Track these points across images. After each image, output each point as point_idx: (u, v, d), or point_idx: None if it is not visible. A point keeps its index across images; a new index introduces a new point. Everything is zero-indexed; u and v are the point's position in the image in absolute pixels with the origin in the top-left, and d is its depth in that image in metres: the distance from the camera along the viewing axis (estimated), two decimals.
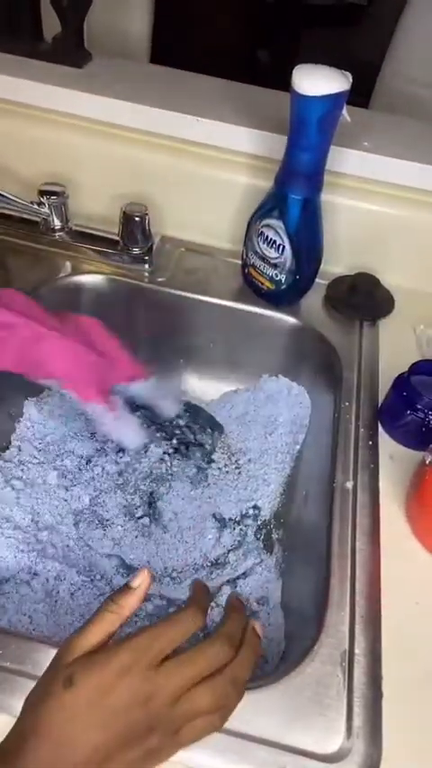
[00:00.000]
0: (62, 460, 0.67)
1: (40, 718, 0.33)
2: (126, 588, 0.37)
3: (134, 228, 0.72)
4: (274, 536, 0.66)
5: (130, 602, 0.36)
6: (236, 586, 0.60)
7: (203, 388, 0.81)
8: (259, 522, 0.67)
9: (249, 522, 0.66)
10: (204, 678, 0.35)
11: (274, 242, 0.66)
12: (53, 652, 0.41)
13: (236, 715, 0.40)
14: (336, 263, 0.76)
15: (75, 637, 0.35)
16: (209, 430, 0.70)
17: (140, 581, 0.37)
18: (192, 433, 0.69)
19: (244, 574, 0.62)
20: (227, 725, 0.38)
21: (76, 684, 0.33)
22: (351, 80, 0.55)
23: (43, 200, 0.70)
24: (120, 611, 0.36)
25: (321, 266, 0.70)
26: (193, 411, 0.71)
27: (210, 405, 0.78)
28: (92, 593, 0.57)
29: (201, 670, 0.35)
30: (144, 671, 0.33)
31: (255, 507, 0.68)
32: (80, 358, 0.54)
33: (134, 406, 0.61)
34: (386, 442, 0.60)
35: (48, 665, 0.36)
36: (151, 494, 0.65)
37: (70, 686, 0.33)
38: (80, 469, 0.67)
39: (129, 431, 0.60)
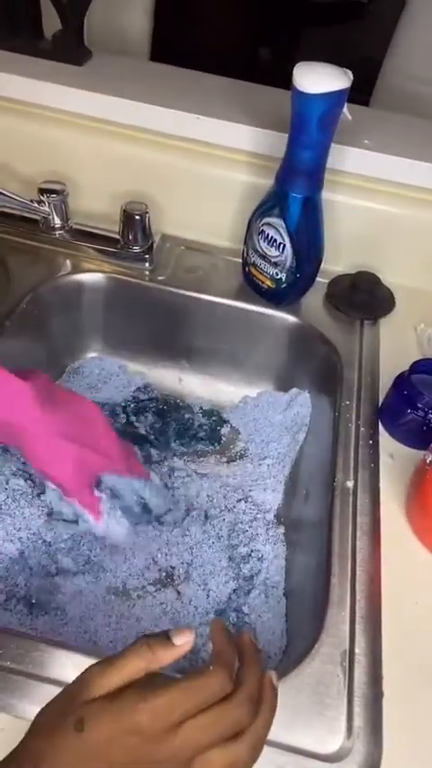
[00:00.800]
0: None
1: (45, 754, 0.31)
2: (166, 640, 0.34)
3: (134, 227, 0.72)
4: (276, 534, 0.66)
5: (165, 657, 0.33)
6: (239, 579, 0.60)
7: (203, 386, 0.81)
8: (259, 520, 0.67)
9: (248, 519, 0.66)
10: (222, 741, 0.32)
11: (275, 240, 0.66)
12: (53, 652, 0.42)
13: None
14: (336, 261, 0.76)
15: (97, 670, 0.33)
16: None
17: (184, 640, 0.34)
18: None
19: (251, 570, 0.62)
20: None
21: (86, 730, 0.31)
22: (352, 78, 0.55)
23: (43, 198, 0.70)
24: (152, 662, 0.33)
25: (322, 265, 0.70)
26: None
27: (221, 411, 0.78)
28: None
29: (221, 735, 0.32)
30: (159, 734, 0.31)
31: (255, 505, 0.68)
32: (70, 455, 0.53)
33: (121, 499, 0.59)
34: (386, 441, 0.60)
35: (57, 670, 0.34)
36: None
37: (80, 730, 0.31)
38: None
39: (115, 530, 0.58)
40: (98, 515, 0.56)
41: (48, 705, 0.34)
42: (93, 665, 0.34)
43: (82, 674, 0.34)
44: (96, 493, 0.56)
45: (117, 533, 0.58)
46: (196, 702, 0.32)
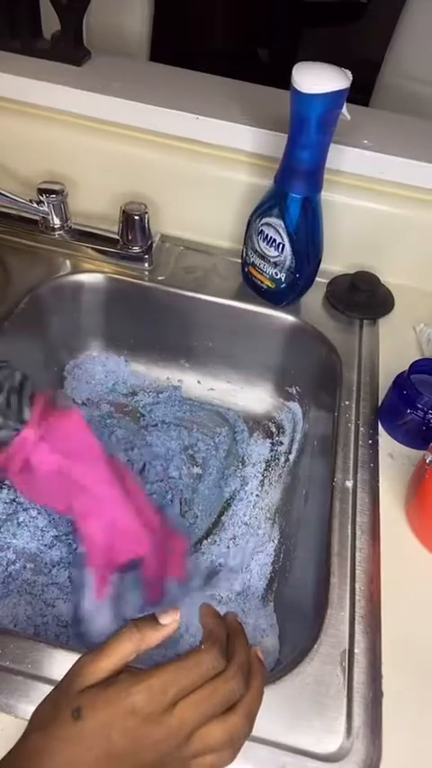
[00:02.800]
0: None
1: (45, 747, 0.31)
2: (153, 620, 0.35)
3: (134, 227, 0.72)
4: (273, 534, 0.66)
5: (153, 638, 0.34)
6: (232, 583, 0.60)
7: (202, 386, 0.81)
8: (256, 522, 0.67)
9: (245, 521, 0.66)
10: (217, 715, 0.33)
11: (274, 240, 0.66)
12: (53, 652, 0.42)
13: None
14: (336, 261, 0.76)
15: (88, 659, 0.34)
16: None
17: (170, 620, 0.35)
18: None
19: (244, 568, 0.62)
20: None
21: (83, 718, 0.31)
22: (351, 78, 0.55)
23: (42, 198, 0.70)
24: (140, 643, 0.34)
25: (321, 265, 0.70)
26: None
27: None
28: None
29: (216, 709, 0.33)
30: (155, 714, 0.31)
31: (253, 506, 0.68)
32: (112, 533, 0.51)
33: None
34: (386, 441, 0.60)
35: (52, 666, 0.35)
36: None
37: (78, 718, 0.31)
38: None
39: (102, 618, 0.54)
40: (101, 595, 0.53)
41: (43, 701, 0.34)
42: (83, 655, 0.34)
43: (74, 665, 0.34)
44: (113, 578, 0.53)
45: (102, 621, 0.54)
46: (191, 680, 0.33)
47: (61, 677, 0.41)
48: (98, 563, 0.53)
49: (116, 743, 0.31)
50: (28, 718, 0.38)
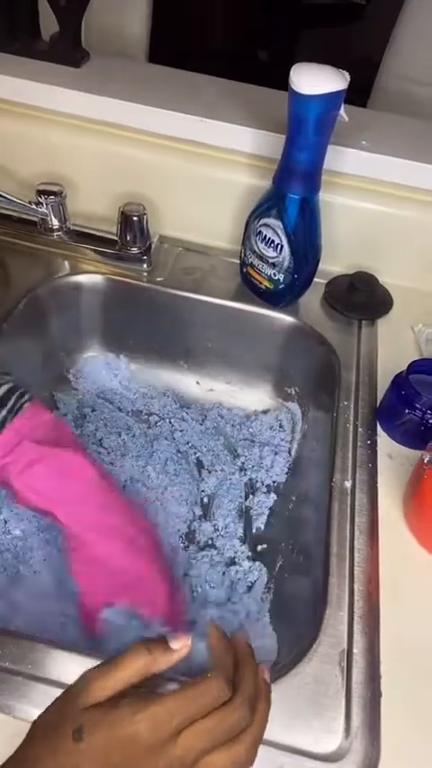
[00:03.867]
0: None
1: (43, 760, 0.31)
2: (164, 644, 0.35)
3: (132, 228, 0.72)
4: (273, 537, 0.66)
5: (163, 662, 0.34)
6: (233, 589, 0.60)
7: (201, 386, 0.81)
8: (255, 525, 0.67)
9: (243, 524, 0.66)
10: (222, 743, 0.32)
11: (273, 241, 0.66)
12: (53, 652, 0.42)
13: None
14: (334, 262, 0.76)
15: (96, 674, 0.33)
16: None
17: (181, 645, 0.35)
18: None
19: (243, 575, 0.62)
20: None
21: (84, 740, 0.31)
22: (349, 79, 0.55)
23: (41, 199, 0.70)
24: (150, 665, 0.34)
25: (320, 265, 0.70)
26: None
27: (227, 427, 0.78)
28: None
29: (221, 739, 0.32)
30: (159, 743, 0.31)
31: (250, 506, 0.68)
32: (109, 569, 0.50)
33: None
34: (385, 441, 0.60)
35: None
36: None
37: (79, 740, 0.31)
38: None
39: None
40: (92, 629, 0.50)
41: (48, 708, 0.34)
42: (92, 668, 0.34)
43: (81, 676, 0.34)
44: (106, 615, 0.49)
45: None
46: (196, 710, 0.32)
47: (60, 677, 0.41)
48: (88, 606, 0.50)
49: (113, 762, 0.31)
50: (27, 718, 0.38)
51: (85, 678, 0.34)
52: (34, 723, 0.34)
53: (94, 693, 0.32)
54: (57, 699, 0.34)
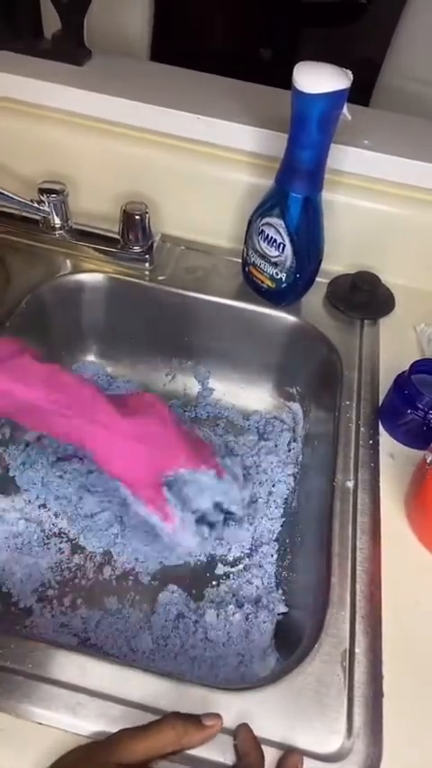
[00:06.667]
0: None
1: None
2: (197, 722, 0.36)
3: (134, 227, 0.72)
4: (275, 536, 0.66)
5: (195, 737, 0.36)
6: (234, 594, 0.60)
7: (202, 386, 0.81)
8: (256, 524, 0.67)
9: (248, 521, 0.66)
10: None
11: (275, 240, 0.66)
12: (53, 652, 0.42)
13: (236, 715, 0.40)
14: (336, 261, 0.76)
15: (128, 735, 0.35)
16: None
17: (213, 722, 0.36)
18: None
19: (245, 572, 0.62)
20: (227, 724, 0.39)
21: None
22: (352, 78, 0.55)
23: (43, 198, 0.70)
24: (182, 737, 0.35)
25: (322, 265, 0.70)
26: None
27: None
28: None
29: None
30: None
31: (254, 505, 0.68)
32: (140, 459, 0.50)
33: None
34: (387, 441, 0.60)
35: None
36: None
37: None
38: None
39: (187, 534, 0.53)
40: (169, 519, 0.51)
41: (78, 748, 0.35)
42: (126, 729, 0.35)
43: (114, 734, 0.35)
44: (166, 493, 0.51)
45: (188, 542, 0.53)
46: None
47: (60, 677, 0.41)
48: (142, 489, 0.50)
49: None
50: (28, 718, 0.39)
51: (119, 735, 0.35)
52: (64, 757, 0.34)
53: (125, 752, 0.34)
54: (85, 745, 0.35)
